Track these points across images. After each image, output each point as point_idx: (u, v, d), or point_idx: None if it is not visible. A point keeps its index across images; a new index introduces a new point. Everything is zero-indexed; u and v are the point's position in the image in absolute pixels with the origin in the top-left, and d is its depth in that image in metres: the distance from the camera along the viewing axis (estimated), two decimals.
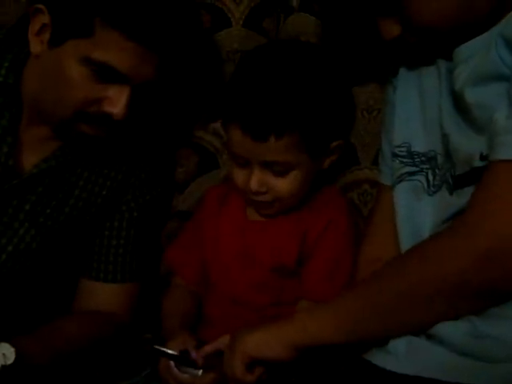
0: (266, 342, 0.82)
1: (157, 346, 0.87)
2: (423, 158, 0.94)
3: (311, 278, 0.98)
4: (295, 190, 0.97)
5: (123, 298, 1.07)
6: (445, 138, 0.89)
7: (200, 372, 0.85)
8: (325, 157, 1.00)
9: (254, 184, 0.95)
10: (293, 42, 1.06)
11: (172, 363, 0.86)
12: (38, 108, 0.99)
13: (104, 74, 0.92)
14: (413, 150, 0.95)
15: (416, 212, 0.93)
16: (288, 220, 1.00)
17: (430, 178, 0.92)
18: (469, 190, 0.83)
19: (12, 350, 0.89)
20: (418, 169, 0.94)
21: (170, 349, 0.87)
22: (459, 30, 0.84)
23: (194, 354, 0.86)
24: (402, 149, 0.96)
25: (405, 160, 0.96)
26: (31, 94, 0.99)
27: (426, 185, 0.93)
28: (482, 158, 0.82)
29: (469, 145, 0.84)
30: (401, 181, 0.96)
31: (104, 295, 1.06)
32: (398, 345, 0.81)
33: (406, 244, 0.94)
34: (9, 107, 1.00)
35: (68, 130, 0.98)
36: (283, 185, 0.96)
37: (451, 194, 0.88)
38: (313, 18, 1.11)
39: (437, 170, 0.92)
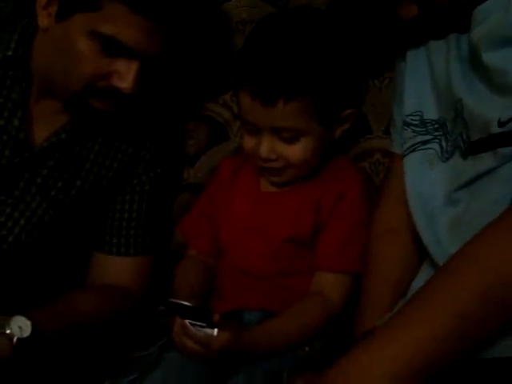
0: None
1: (172, 299, 0.86)
2: (436, 125, 0.93)
3: (326, 249, 0.97)
4: (305, 158, 0.96)
5: (136, 271, 1.07)
6: (458, 103, 0.88)
7: (215, 331, 0.85)
8: (336, 125, 0.99)
9: (263, 151, 0.95)
10: (305, 9, 1.05)
11: (187, 322, 0.86)
12: (47, 82, 0.99)
13: (112, 48, 0.92)
14: (425, 117, 0.94)
15: (427, 181, 0.93)
16: (301, 190, 1.00)
17: (444, 144, 0.92)
18: (485, 156, 0.82)
19: (28, 322, 0.89)
20: (431, 136, 0.93)
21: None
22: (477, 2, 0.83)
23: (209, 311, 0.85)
24: (415, 117, 0.95)
25: (417, 129, 0.95)
26: (40, 67, 0.99)
27: (439, 152, 0.92)
28: (500, 124, 0.80)
29: (485, 110, 0.83)
30: (413, 151, 0.95)
31: (117, 268, 1.06)
32: None
33: (416, 214, 0.93)
34: (19, 81, 0.99)
35: (78, 104, 0.97)
36: (293, 152, 0.95)
37: (465, 159, 0.88)
38: None
39: (448, 136, 0.91)
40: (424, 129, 0.94)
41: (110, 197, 1.07)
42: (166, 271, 1.10)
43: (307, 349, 0.95)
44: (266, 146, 0.95)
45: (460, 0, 0.84)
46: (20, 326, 0.89)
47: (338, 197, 0.98)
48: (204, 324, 0.85)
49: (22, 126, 0.99)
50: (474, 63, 0.85)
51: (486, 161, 0.82)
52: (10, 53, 0.98)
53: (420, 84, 0.95)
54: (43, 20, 0.96)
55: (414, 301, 0.75)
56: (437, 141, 0.93)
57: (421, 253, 0.96)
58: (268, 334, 0.92)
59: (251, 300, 0.98)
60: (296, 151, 0.95)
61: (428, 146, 0.93)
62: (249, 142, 0.98)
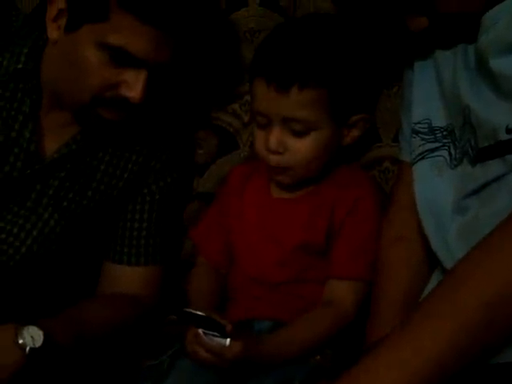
0: None
1: (186, 309, 0.86)
2: (444, 133, 0.93)
3: (339, 256, 0.97)
4: (312, 155, 0.95)
5: (147, 281, 1.08)
6: (466, 110, 0.88)
7: (228, 341, 0.85)
8: (347, 130, 0.98)
9: (272, 141, 0.94)
10: (320, 14, 1.05)
11: (200, 331, 0.86)
12: (57, 93, 1.00)
13: (120, 58, 0.92)
14: (433, 125, 0.94)
15: (436, 189, 0.93)
16: (313, 197, 1.00)
17: (452, 151, 0.92)
18: (493, 163, 0.82)
19: (40, 332, 0.90)
20: (440, 144, 0.93)
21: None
22: (486, 10, 0.84)
23: (223, 321, 0.86)
24: (423, 125, 0.95)
25: (426, 136, 0.95)
26: (50, 79, 1.00)
27: (448, 159, 0.92)
28: (508, 131, 0.80)
29: (493, 117, 0.83)
30: (421, 158, 0.95)
31: (128, 278, 1.07)
32: None
33: (425, 222, 0.93)
34: (29, 93, 1.00)
35: (87, 115, 0.98)
36: (301, 146, 0.95)
37: (473, 166, 0.88)
38: None
39: (457, 143, 0.91)
40: (432, 136, 0.94)
41: (120, 206, 1.07)
42: (176, 280, 1.10)
43: (318, 357, 0.95)
44: (275, 137, 0.94)
45: (468, 7, 0.85)
46: (32, 336, 0.90)
47: (351, 204, 0.97)
48: (217, 333, 0.86)
49: (33, 137, 1.00)
50: (482, 70, 0.85)
51: (494, 168, 0.82)
52: (20, 66, 1.00)
53: (428, 92, 0.95)
54: (53, 32, 0.97)
55: (422, 308, 0.75)
56: (445, 148, 0.93)
57: (432, 260, 0.96)
58: (280, 343, 0.92)
59: (262, 309, 0.98)
60: (304, 146, 0.94)
61: (437, 153, 0.94)
62: (259, 137, 0.98)
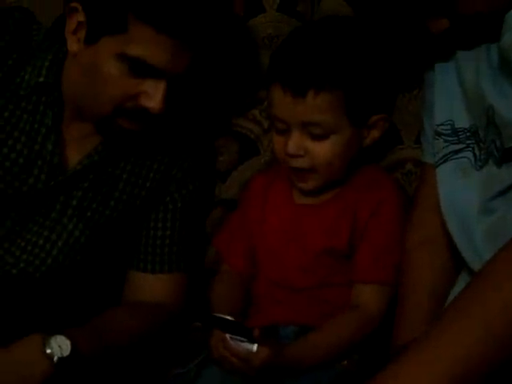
0: None
1: (214, 313, 0.86)
2: (468, 134, 0.93)
3: (364, 260, 0.96)
4: (333, 158, 0.95)
5: (172, 288, 1.08)
6: (490, 110, 0.88)
7: (255, 347, 0.85)
8: (366, 130, 0.98)
9: (291, 145, 0.94)
10: (337, 16, 1.05)
11: (227, 336, 0.86)
12: (78, 105, 1.01)
13: (139, 69, 0.93)
14: (456, 126, 0.94)
15: (461, 191, 0.92)
16: (336, 202, 1.00)
17: (477, 152, 0.91)
18: None
19: (68, 342, 0.91)
20: (463, 145, 0.93)
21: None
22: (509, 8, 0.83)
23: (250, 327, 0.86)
24: (446, 127, 0.95)
25: (449, 138, 0.94)
26: (71, 92, 1.01)
27: (473, 160, 0.91)
28: None
29: None
30: (445, 160, 0.95)
31: (152, 286, 1.07)
32: None
33: (451, 224, 0.93)
34: (51, 106, 1.01)
35: (108, 126, 0.99)
36: (321, 150, 0.94)
37: (499, 167, 0.87)
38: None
39: (481, 144, 0.90)
40: (456, 138, 0.94)
41: (143, 215, 1.08)
42: (200, 288, 1.10)
43: (345, 362, 0.94)
44: (294, 142, 0.94)
45: (490, 7, 0.84)
46: (60, 346, 0.90)
47: (374, 207, 0.97)
48: (244, 339, 0.86)
49: (56, 150, 1.01)
50: (505, 69, 0.85)
51: None
52: (41, 79, 1.00)
53: (450, 93, 0.95)
54: (72, 45, 0.97)
55: (450, 311, 0.75)
56: (470, 149, 0.92)
57: (457, 261, 0.95)
58: (306, 349, 0.92)
59: (287, 314, 0.98)
60: (324, 149, 0.94)
61: (461, 154, 0.93)
62: (278, 142, 0.98)
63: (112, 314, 1.03)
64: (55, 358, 0.89)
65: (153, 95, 0.94)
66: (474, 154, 0.92)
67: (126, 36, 0.92)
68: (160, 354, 1.01)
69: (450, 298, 0.94)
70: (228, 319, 0.85)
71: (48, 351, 0.90)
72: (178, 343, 1.04)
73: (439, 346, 0.71)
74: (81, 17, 0.95)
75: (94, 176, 1.03)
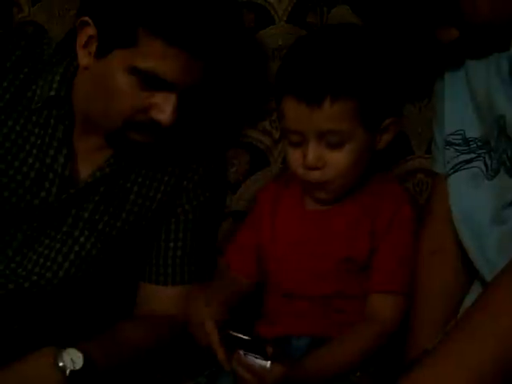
0: None
1: (231, 332, 0.86)
2: (479, 143, 0.92)
3: (381, 271, 0.96)
4: (351, 165, 0.94)
5: (184, 300, 1.07)
6: (501, 119, 0.87)
7: (268, 364, 0.85)
8: (379, 135, 0.97)
9: (311, 157, 0.93)
10: (346, 24, 1.05)
11: (241, 352, 0.86)
12: (89, 118, 1.01)
13: (150, 81, 0.93)
14: (467, 136, 0.94)
15: (473, 200, 0.92)
16: (350, 208, 0.98)
17: (488, 162, 0.91)
18: None
19: (80, 354, 0.91)
20: (474, 155, 0.92)
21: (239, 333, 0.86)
22: None
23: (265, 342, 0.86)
24: (457, 136, 0.95)
25: (460, 148, 0.94)
26: (82, 105, 1.01)
27: (484, 170, 0.91)
28: None
29: None
30: (456, 170, 0.94)
31: (165, 298, 1.07)
32: None
33: (463, 234, 0.93)
34: (62, 119, 1.02)
35: (119, 139, 0.99)
36: (339, 158, 0.94)
37: (511, 176, 0.87)
38: None
39: (492, 154, 0.90)
40: (467, 147, 0.93)
41: (154, 227, 1.08)
42: None
43: (359, 374, 0.93)
44: (313, 153, 0.93)
45: (496, 17, 0.84)
46: (72, 359, 0.91)
47: (390, 217, 0.96)
48: (258, 356, 0.86)
49: (67, 163, 1.01)
50: None
51: None
52: (52, 93, 1.01)
53: (460, 103, 0.94)
54: (83, 59, 0.98)
55: (463, 323, 0.75)
56: (481, 159, 0.92)
57: (470, 271, 0.94)
58: (320, 364, 0.91)
59: (300, 326, 0.97)
60: (342, 157, 0.93)
61: (472, 164, 0.93)
62: (294, 155, 0.96)
63: (124, 326, 1.03)
64: (67, 371, 0.90)
65: (163, 108, 0.95)
66: (485, 164, 0.91)
67: (137, 49, 0.93)
68: (172, 366, 1.01)
69: (464, 306, 0.93)
70: (242, 337, 0.85)
71: (60, 364, 0.90)
72: (190, 355, 1.04)
73: (453, 357, 0.71)
74: (92, 31, 0.96)
75: (105, 189, 1.04)
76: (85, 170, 1.03)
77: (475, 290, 0.93)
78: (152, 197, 1.07)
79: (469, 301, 0.92)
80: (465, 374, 0.70)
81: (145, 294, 1.08)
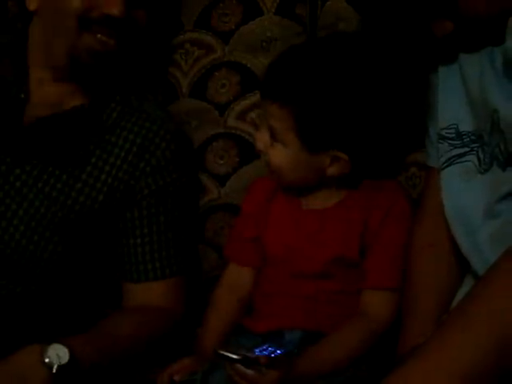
0: None
1: (219, 351, 0.86)
2: (473, 137, 0.93)
3: (375, 267, 0.96)
4: (282, 164, 0.96)
5: (169, 293, 1.05)
6: (495, 114, 0.88)
7: (263, 369, 0.85)
8: (327, 159, 0.94)
9: (256, 139, 0.99)
10: (334, 36, 1.04)
11: (236, 365, 0.86)
12: (46, 54, 1.04)
13: None
14: (461, 130, 0.94)
15: (465, 194, 0.92)
16: (344, 207, 0.98)
17: (481, 156, 0.91)
18: None
19: (66, 350, 0.89)
20: (468, 149, 0.93)
21: (230, 352, 0.86)
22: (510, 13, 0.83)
23: (255, 355, 0.85)
24: (450, 130, 0.95)
25: (453, 142, 0.95)
26: (38, 46, 1.05)
27: (477, 164, 0.92)
28: None
29: None
30: (449, 164, 0.95)
31: (150, 293, 1.04)
32: None
33: (456, 228, 0.93)
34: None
35: (77, 59, 1.01)
36: (273, 152, 0.96)
37: (504, 170, 0.87)
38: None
39: (485, 147, 0.90)
40: (460, 141, 0.94)
41: (118, 213, 1.04)
42: (200, 293, 1.08)
43: (352, 370, 0.93)
44: (259, 136, 0.98)
45: (495, 11, 0.84)
46: (58, 354, 0.89)
47: (383, 213, 0.96)
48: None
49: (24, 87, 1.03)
50: (509, 72, 0.85)
51: None
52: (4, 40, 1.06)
53: (453, 97, 0.95)
54: (31, 3, 1.03)
55: (455, 316, 0.75)
56: (474, 153, 0.92)
57: (463, 264, 0.95)
58: (315, 362, 0.91)
59: (293, 319, 0.96)
60: (274, 152, 0.96)
61: (465, 158, 0.93)
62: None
63: (112, 319, 1.01)
64: (55, 367, 0.88)
65: (114, 1, 0.98)
66: (479, 158, 0.92)
67: None
68: (165, 361, 0.99)
69: (456, 300, 0.93)
70: (234, 358, 0.85)
71: (46, 360, 0.88)
72: (183, 349, 1.02)
73: (446, 348, 0.71)
74: None
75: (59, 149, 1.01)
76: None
77: (468, 284, 0.94)
78: (108, 171, 1.03)
79: (461, 295, 0.93)
80: (457, 366, 0.70)
81: (130, 292, 1.06)
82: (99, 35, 1.00)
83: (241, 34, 1.16)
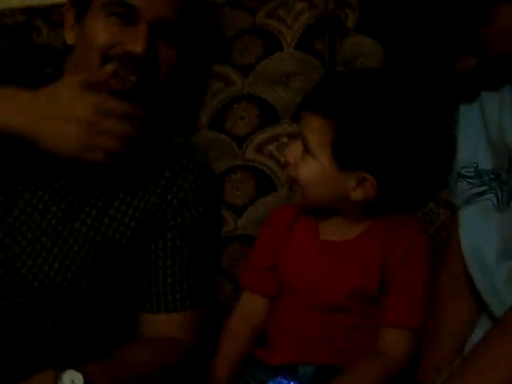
0: None
1: None
2: (491, 176, 0.93)
3: (394, 305, 0.95)
4: (309, 178, 0.96)
5: (185, 325, 1.05)
6: (511, 152, 0.88)
7: None
8: (354, 181, 0.95)
9: (287, 150, 1.01)
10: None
11: None
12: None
13: (121, 14, 0.99)
14: (480, 168, 0.94)
15: (483, 234, 0.92)
16: (363, 240, 0.99)
17: (499, 194, 0.91)
18: None
19: (80, 376, 0.88)
20: (486, 187, 0.93)
21: None
22: None
23: None
24: (469, 169, 0.95)
25: (472, 180, 0.95)
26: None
27: (496, 202, 0.92)
28: None
29: None
30: (468, 203, 0.95)
31: (166, 324, 1.04)
32: None
33: (472, 266, 0.93)
34: None
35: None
36: (303, 164, 0.97)
37: None
38: (369, 39, 1.10)
39: (503, 186, 0.91)
40: (479, 180, 0.94)
41: (144, 245, 1.04)
42: (214, 323, 1.08)
43: None
44: (291, 147, 1.00)
45: None
46: (72, 380, 0.88)
47: (403, 250, 0.96)
48: None
49: None
50: None
51: None
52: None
53: (474, 135, 0.95)
54: (69, 38, 1.04)
55: (471, 359, 0.76)
56: (493, 191, 0.93)
57: (480, 303, 0.94)
58: None
59: (307, 354, 0.96)
60: (305, 165, 0.97)
61: (484, 197, 0.93)
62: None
63: (126, 348, 1.01)
64: None
65: (136, 39, 0.98)
66: (497, 196, 0.92)
67: None
68: None
69: (472, 339, 0.93)
70: None
71: None
72: (196, 380, 1.02)
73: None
74: (71, 9, 1.04)
75: (90, 185, 1.02)
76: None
77: (483, 325, 0.93)
78: (136, 206, 1.04)
79: (476, 335, 0.92)
80: None
81: (146, 322, 1.05)
82: (119, 71, 0.99)
83: (261, 67, 1.18)
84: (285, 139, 1.15)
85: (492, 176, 0.93)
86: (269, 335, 1.02)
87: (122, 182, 1.04)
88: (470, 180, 0.95)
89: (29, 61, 1.15)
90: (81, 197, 1.02)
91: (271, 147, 1.16)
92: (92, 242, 1.01)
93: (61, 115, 0.92)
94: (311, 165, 0.96)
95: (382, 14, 0.85)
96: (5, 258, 1.00)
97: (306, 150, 0.96)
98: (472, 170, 0.94)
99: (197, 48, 1.09)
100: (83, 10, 1.02)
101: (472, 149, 0.95)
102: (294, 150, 0.98)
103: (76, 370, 0.89)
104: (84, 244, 1.01)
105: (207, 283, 1.11)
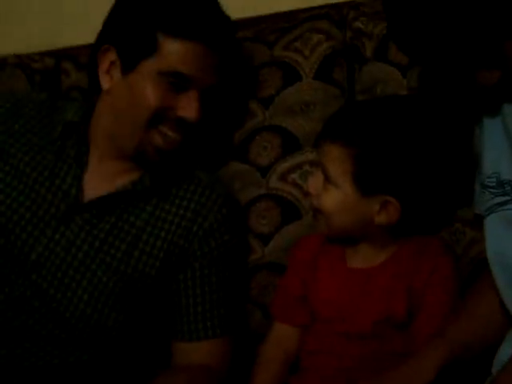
0: None
1: None
2: None
3: (423, 332, 0.95)
4: (332, 207, 0.97)
5: (217, 353, 1.06)
6: None
7: None
8: (376, 205, 0.96)
9: (309, 182, 1.03)
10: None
11: None
12: (111, 141, 1.06)
13: (175, 82, 1.00)
14: (502, 178, 0.94)
15: (506, 243, 0.92)
16: (390, 267, 0.99)
17: None
18: None
19: None
20: (509, 197, 0.93)
21: None
22: None
23: None
24: (492, 179, 0.95)
25: (494, 190, 0.95)
26: (104, 128, 1.07)
27: None
28: None
29: None
30: (491, 212, 0.95)
31: (200, 353, 1.05)
32: None
33: (498, 278, 0.92)
34: (78, 145, 1.08)
35: (144, 153, 1.04)
36: (326, 194, 0.98)
37: None
38: (388, 66, 1.12)
39: None
40: (501, 190, 0.94)
41: (172, 276, 1.06)
42: (245, 351, 1.08)
43: None
44: (312, 179, 1.02)
45: None
46: None
47: (430, 274, 0.97)
48: None
49: (74, 182, 1.06)
50: None
51: None
52: (75, 119, 1.09)
53: (497, 146, 0.95)
54: (106, 83, 1.05)
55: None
56: None
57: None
58: None
59: (338, 380, 0.96)
60: (328, 195, 0.98)
61: (506, 207, 0.93)
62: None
63: (160, 377, 1.02)
64: None
65: (189, 106, 1.01)
66: None
67: (159, 54, 1.01)
68: None
69: (499, 354, 0.92)
70: None
71: None
72: None
73: None
74: (112, 55, 1.04)
75: (116, 220, 1.04)
76: (96, 193, 1.05)
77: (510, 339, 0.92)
78: (164, 238, 1.06)
79: (504, 349, 0.91)
80: None
81: (178, 351, 1.07)
82: (168, 132, 1.03)
83: (280, 98, 1.20)
84: (307, 167, 1.16)
85: None
86: (300, 361, 1.02)
87: (149, 215, 1.06)
88: (492, 190, 0.95)
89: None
90: (108, 231, 1.04)
91: (294, 175, 1.17)
92: (123, 275, 1.03)
93: None
94: (333, 194, 0.97)
95: (410, 25, 0.86)
96: (36, 291, 1.02)
97: (327, 179, 0.97)
98: (494, 180, 0.95)
99: (227, 88, 1.11)
100: (129, 65, 1.03)
101: (495, 160, 0.95)
102: (315, 181, 0.99)
103: None
104: (113, 276, 1.03)
105: (237, 311, 1.11)
